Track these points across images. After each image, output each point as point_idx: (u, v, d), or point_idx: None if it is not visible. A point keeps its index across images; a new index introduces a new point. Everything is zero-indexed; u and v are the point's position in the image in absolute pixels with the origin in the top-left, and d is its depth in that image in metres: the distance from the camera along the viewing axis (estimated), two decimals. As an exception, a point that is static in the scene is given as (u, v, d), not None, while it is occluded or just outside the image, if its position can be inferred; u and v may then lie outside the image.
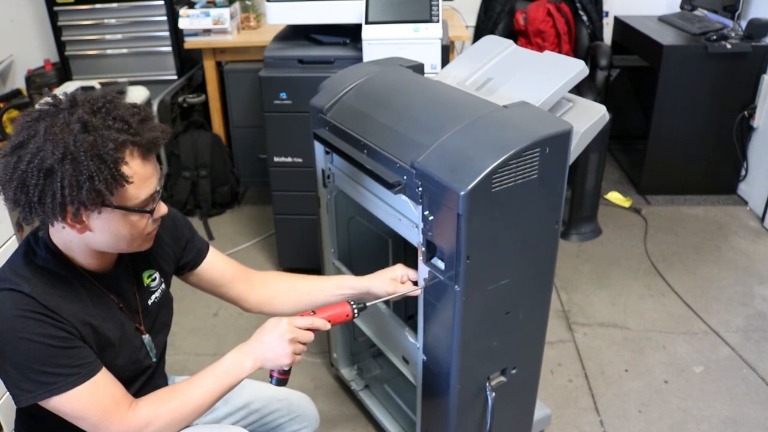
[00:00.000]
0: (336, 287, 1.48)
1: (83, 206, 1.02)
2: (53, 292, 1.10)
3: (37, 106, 1.08)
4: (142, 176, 1.08)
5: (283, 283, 1.50)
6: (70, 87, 3.28)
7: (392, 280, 1.47)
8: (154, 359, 1.30)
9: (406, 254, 1.96)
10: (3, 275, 1.10)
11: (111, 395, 1.12)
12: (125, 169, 1.04)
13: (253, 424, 1.51)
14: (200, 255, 1.41)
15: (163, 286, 1.33)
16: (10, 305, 1.05)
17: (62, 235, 1.12)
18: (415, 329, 1.55)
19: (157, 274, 1.32)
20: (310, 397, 1.60)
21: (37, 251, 1.13)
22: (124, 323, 1.22)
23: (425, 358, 1.50)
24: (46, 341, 1.05)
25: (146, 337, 1.28)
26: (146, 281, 1.30)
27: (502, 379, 1.51)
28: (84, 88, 3.24)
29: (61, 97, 1.08)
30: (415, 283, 1.47)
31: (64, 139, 1.00)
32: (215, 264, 1.43)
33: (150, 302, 1.30)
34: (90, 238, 1.10)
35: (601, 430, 1.98)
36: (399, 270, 1.49)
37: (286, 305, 1.47)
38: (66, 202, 1.01)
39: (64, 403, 1.08)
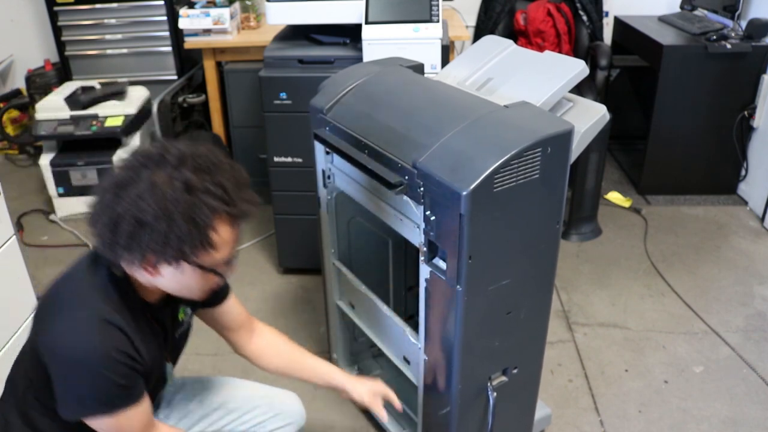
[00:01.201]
0: (323, 374, 1.52)
1: (166, 260, 1.06)
2: (134, 326, 1.14)
3: (146, 148, 1.10)
4: (226, 242, 1.11)
5: (282, 346, 1.54)
6: (70, 87, 3.28)
7: (371, 392, 1.50)
8: (166, 385, 1.36)
9: (406, 254, 1.97)
10: (92, 299, 1.12)
11: (141, 423, 1.18)
12: (214, 237, 1.07)
13: (231, 423, 1.52)
14: (221, 297, 1.44)
15: (190, 319, 1.38)
16: (110, 343, 1.08)
17: (132, 270, 1.14)
18: (416, 329, 1.55)
19: (189, 309, 1.37)
20: (309, 397, 1.60)
21: (111, 275, 1.15)
22: (161, 352, 1.27)
23: (426, 358, 1.50)
24: (119, 381, 1.10)
25: (169, 366, 1.32)
26: (180, 315, 1.34)
27: (504, 378, 1.51)
28: (84, 88, 3.25)
29: (170, 146, 1.10)
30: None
31: (165, 195, 1.03)
32: (231, 310, 1.47)
33: (177, 334, 1.34)
34: (158, 281, 1.13)
35: (601, 430, 1.98)
36: (381, 386, 1.52)
37: (273, 365, 1.53)
38: (150, 253, 1.05)
39: (97, 423, 1.13)
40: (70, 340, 1.08)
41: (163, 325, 1.26)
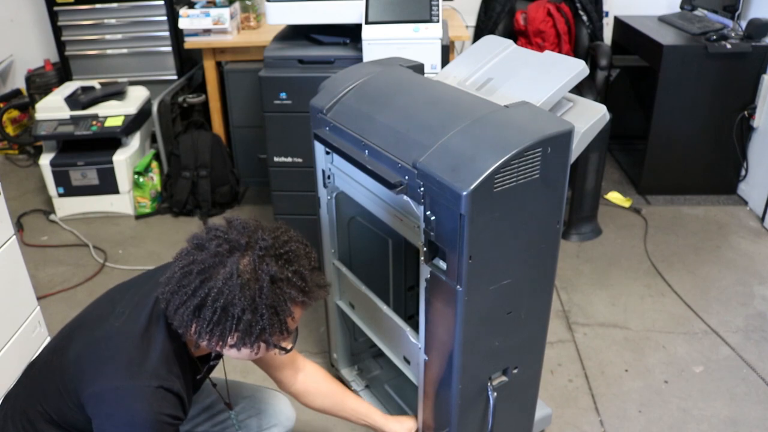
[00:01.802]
0: (362, 415, 1.63)
1: (244, 345, 1.10)
2: (185, 384, 1.18)
3: (229, 232, 1.12)
4: (296, 322, 1.16)
5: (325, 386, 1.59)
6: (70, 87, 3.28)
7: (407, 430, 1.64)
8: None
9: (406, 254, 1.97)
10: (151, 363, 1.13)
11: None
12: (290, 323, 1.13)
13: (216, 426, 1.55)
14: None
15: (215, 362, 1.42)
16: (164, 410, 1.11)
17: (202, 342, 1.15)
18: (416, 329, 1.55)
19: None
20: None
21: (169, 333, 1.18)
22: (193, 393, 1.32)
23: (426, 358, 1.50)
24: None
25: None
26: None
27: (504, 378, 1.51)
28: (84, 88, 3.25)
29: (253, 232, 1.13)
30: None
31: (251, 287, 1.06)
32: None
33: (209, 366, 1.38)
34: (224, 352, 1.17)
35: (601, 430, 1.98)
36: (414, 423, 1.66)
37: (317, 404, 1.59)
38: (231, 338, 1.09)
39: None
40: (126, 406, 1.10)
41: (198, 371, 1.31)
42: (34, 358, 1.31)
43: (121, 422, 1.09)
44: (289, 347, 1.20)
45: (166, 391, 1.12)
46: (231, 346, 1.12)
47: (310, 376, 1.58)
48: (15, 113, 3.86)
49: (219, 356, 1.37)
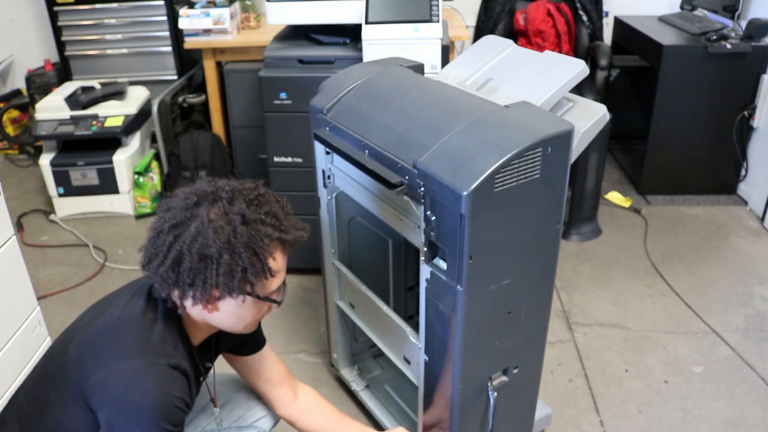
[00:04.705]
0: None
1: (230, 293, 1.08)
2: (189, 369, 1.16)
3: (196, 185, 1.13)
4: (281, 269, 1.16)
5: (323, 405, 1.55)
6: (70, 87, 3.28)
7: None
8: None
9: (406, 254, 1.97)
10: (156, 344, 1.12)
11: None
12: (272, 263, 1.11)
13: (210, 424, 1.54)
14: (256, 346, 1.46)
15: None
16: (174, 392, 1.09)
17: (188, 310, 1.15)
18: (416, 329, 1.55)
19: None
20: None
21: (167, 316, 1.16)
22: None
23: (427, 358, 1.50)
24: (172, 430, 1.09)
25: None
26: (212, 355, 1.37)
27: (504, 378, 1.51)
28: (84, 88, 3.25)
29: (219, 183, 1.13)
30: None
31: (224, 229, 1.05)
32: (268, 360, 1.48)
33: (207, 367, 1.37)
34: (213, 317, 1.15)
35: (601, 430, 1.98)
36: None
37: (316, 423, 1.53)
38: (215, 287, 1.07)
39: None
40: (134, 386, 1.06)
41: (202, 365, 1.30)
42: (32, 368, 1.28)
43: (130, 406, 1.05)
44: (279, 299, 1.19)
45: (173, 369, 1.10)
46: (217, 299, 1.10)
47: (309, 398, 1.55)
48: (15, 113, 3.86)
49: (215, 354, 1.36)
